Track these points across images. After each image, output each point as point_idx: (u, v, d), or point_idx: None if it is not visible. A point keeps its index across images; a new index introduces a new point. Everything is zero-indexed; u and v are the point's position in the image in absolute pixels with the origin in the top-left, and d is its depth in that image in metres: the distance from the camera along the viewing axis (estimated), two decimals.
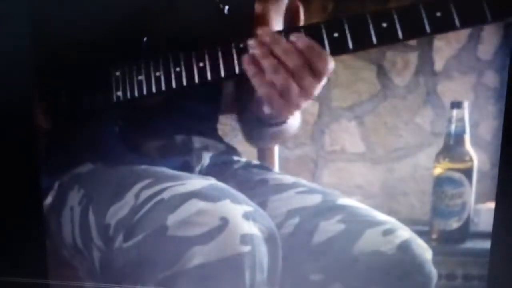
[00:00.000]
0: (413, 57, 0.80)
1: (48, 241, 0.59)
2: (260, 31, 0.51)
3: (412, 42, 0.82)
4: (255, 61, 0.51)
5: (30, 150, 0.57)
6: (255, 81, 0.51)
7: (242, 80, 0.64)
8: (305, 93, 0.51)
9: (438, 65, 0.81)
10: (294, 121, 0.64)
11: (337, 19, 0.51)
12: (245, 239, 0.43)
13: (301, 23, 0.61)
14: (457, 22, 0.48)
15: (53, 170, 0.60)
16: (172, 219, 0.44)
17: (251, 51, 0.51)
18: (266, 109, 0.55)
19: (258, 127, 0.63)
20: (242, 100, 0.69)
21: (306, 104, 0.53)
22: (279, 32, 0.52)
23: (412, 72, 0.82)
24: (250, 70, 0.51)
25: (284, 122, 0.59)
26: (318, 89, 0.52)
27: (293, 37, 0.50)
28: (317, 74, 0.50)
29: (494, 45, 0.77)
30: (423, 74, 0.81)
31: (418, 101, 0.83)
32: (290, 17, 0.59)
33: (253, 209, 0.46)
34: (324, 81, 0.52)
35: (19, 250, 0.59)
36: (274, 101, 0.51)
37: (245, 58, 0.51)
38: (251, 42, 0.51)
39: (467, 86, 0.81)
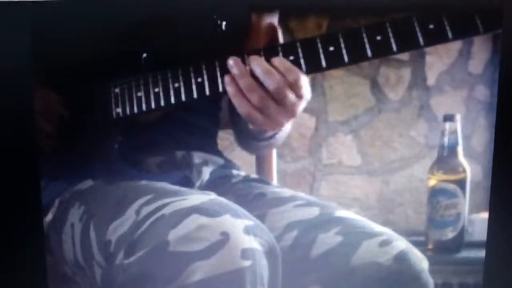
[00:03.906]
0: (406, 73, 0.81)
1: (49, 257, 0.59)
2: (231, 61, 0.53)
3: (405, 58, 0.84)
4: (234, 81, 0.52)
5: (30, 167, 0.58)
6: (234, 101, 0.53)
7: None
8: (287, 111, 0.52)
9: (431, 80, 0.83)
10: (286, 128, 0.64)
11: (332, 32, 0.52)
12: (246, 253, 0.44)
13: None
14: (449, 34, 0.48)
15: (53, 187, 0.60)
16: (173, 234, 0.44)
17: (230, 70, 0.52)
18: (251, 126, 0.57)
19: (250, 141, 0.64)
20: (235, 115, 0.70)
21: (290, 122, 0.55)
22: (258, 51, 0.53)
23: (406, 87, 0.84)
24: (229, 89, 0.53)
25: (272, 136, 0.60)
26: (301, 108, 0.53)
27: (273, 59, 0.52)
28: (298, 94, 0.52)
29: (484, 60, 0.79)
30: (416, 88, 0.83)
31: (412, 115, 0.85)
32: (268, 38, 0.60)
33: (253, 223, 0.47)
34: (307, 99, 0.53)
35: (19, 266, 0.59)
36: (254, 119, 0.53)
37: (226, 78, 0.53)
38: (230, 62, 0.53)
39: (459, 99, 0.83)
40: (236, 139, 0.72)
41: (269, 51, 0.53)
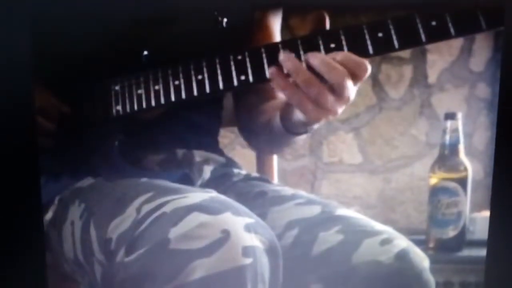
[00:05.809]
0: (407, 70, 0.81)
1: (48, 255, 0.59)
2: (283, 56, 0.50)
3: (406, 56, 0.84)
4: (285, 75, 0.50)
5: (29, 164, 0.58)
6: (286, 94, 0.51)
7: (255, 91, 0.64)
8: (343, 100, 0.51)
9: (432, 77, 0.83)
10: None
11: (333, 29, 0.51)
12: (247, 251, 0.44)
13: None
14: (452, 31, 0.48)
15: (53, 185, 0.60)
16: (174, 232, 0.44)
17: (284, 66, 0.50)
18: (300, 117, 0.55)
19: (280, 136, 0.61)
20: (247, 109, 0.69)
21: (343, 109, 0.52)
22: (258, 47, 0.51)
23: (407, 85, 0.84)
24: (279, 83, 0.51)
25: (312, 128, 0.58)
26: (354, 93, 0.51)
27: (337, 54, 0.49)
28: (355, 81, 0.50)
29: (485, 58, 0.79)
30: (417, 86, 0.83)
31: (413, 113, 0.85)
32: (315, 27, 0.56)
33: (254, 220, 0.47)
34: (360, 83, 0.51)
35: (18, 264, 0.59)
36: (309, 111, 0.51)
37: (274, 71, 0.51)
38: (282, 57, 0.50)
39: (460, 97, 0.83)
40: (248, 138, 0.71)
41: (271, 47, 0.53)
